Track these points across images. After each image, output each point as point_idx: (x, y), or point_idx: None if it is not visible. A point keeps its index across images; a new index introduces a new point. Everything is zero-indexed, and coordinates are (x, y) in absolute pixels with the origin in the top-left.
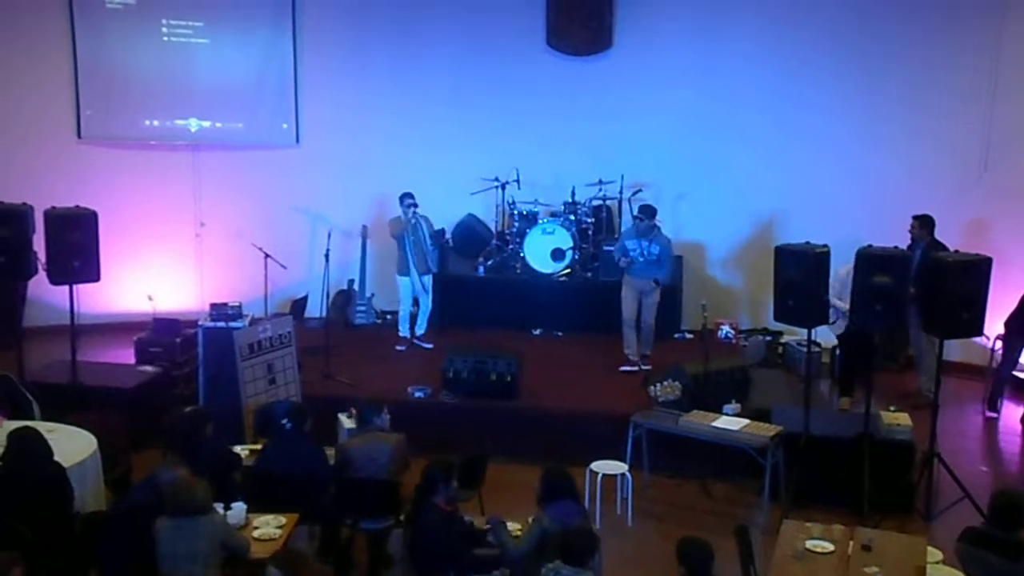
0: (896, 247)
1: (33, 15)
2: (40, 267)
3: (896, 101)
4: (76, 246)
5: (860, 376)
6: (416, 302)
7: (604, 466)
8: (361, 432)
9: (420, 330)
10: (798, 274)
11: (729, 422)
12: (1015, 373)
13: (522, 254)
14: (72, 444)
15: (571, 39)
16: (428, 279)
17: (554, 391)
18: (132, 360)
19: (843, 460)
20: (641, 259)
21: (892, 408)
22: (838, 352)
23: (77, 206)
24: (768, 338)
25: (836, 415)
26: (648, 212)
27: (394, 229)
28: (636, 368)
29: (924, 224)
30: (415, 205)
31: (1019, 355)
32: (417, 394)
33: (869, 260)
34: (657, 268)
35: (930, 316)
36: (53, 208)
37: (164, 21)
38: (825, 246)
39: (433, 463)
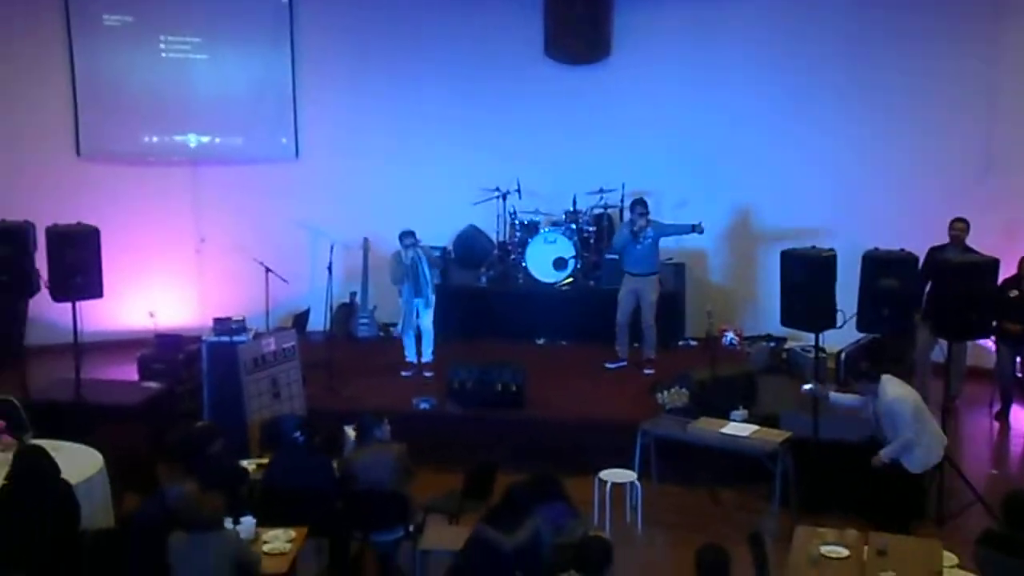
0: (902, 249)
1: (31, 33)
2: (42, 285)
3: (893, 109)
4: (78, 263)
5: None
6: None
7: (613, 475)
8: (362, 444)
9: (425, 357)
10: (805, 278)
11: (737, 428)
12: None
13: (524, 264)
14: (78, 461)
15: (569, 48)
16: (423, 302)
17: (560, 400)
18: (136, 377)
19: (852, 465)
20: (640, 245)
21: None
22: None
23: (79, 223)
24: (772, 344)
25: (844, 420)
26: (642, 205)
27: (394, 273)
28: (623, 364)
29: (968, 227)
30: (416, 244)
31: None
32: (423, 405)
33: (875, 263)
34: (655, 249)
35: (938, 319)
36: (55, 225)
37: (162, 37)
38: (831, 250)
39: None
